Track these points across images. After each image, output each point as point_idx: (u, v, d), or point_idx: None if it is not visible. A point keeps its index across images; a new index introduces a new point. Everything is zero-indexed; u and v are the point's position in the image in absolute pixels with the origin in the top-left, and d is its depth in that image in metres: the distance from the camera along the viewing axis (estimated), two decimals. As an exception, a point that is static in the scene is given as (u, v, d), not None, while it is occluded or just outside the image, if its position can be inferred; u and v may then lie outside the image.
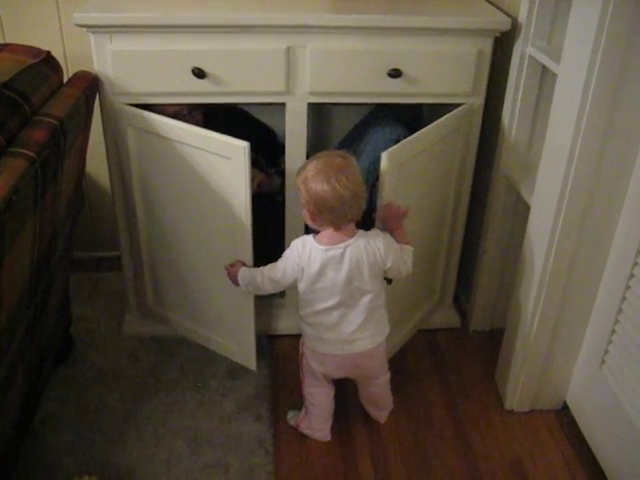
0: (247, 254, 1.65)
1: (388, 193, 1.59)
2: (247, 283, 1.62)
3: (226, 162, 1.56)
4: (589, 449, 1.69)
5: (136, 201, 1.79)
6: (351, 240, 1.49)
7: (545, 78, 1.70)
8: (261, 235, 1.73)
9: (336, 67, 1.65)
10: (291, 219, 1.83)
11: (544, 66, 1.64)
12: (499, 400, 1.85)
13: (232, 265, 1.66)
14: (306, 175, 1.46)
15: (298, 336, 1.65)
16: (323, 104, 2.01)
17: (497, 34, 1.68)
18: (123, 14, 1.58)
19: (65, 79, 1.54)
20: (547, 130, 1.54)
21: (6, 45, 1.48)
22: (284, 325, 2.02)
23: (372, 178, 1.80)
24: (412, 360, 2.00)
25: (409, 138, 1.62)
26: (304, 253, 1.51)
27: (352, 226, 1.50)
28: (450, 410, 1.83)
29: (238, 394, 1.83)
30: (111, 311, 2.13)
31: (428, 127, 1.65)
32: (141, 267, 1.92)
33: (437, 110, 1.77)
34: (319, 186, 1.43)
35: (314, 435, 1.71)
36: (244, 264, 1.65)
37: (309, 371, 1.65)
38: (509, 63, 1.75)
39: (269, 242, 1.80)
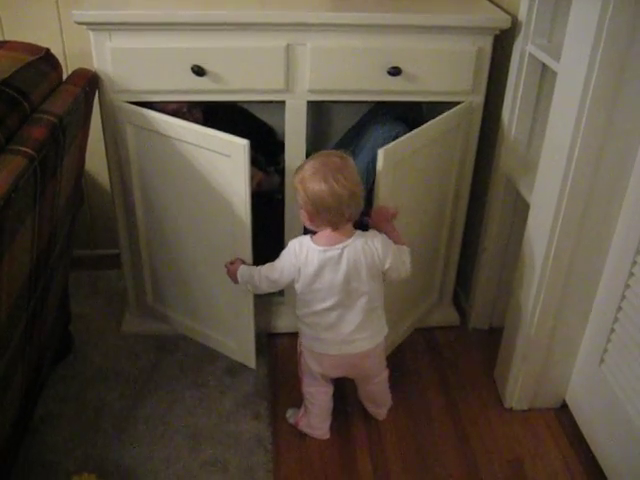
0: (247, 252, 1.65)
1: (384, 190, 1.59)
2: (246, 281, 1.62)
3: (226, 160, 1.56)
4: (588, 447, 1.69)
5: (135, 199, 1.79)
6: (349, 241, 1.48)
7: (545, 76, 1.70)
8: (261, 233, 1.73)
9: (336, 65, 1.65)
10: (290, 217, 1.83)
11: (544, 64, 1.64)
12: (498, 398, 1.85)
13: (232, 263, 1.67)
14: (303, 175, 1.46)
15: (297, 334, 1.65)
16: (323, 102, 2.01)
17: (497, 32, 1.68)
18: (122, 11, 1.57)
19: (64, 77, 1.53)
20: (547, 128, 1.54)
21: (5, 42, 1.48)
22: (283, 323, 2.02)
23: (371, 176, 1.79)
24: (411, 358, 2.00)
25: (406, 135, 1.62)
26: (301, 254, 1.50)
27: (350, 226, 1.50)
28: (449, 408, 1.83)
29: (237, 392, 1.83)
30: (110, 309, 2.13)
31: (426, 125, 1.65)
32: (140, 265, 1.92)
33: (437, 108, 1.77)
34: (317, 186, 1.42)
35: (313, 433, 1.71)
36: (244, 262, 1.66)
37: (307, 370, 1.65)
38: (509, 61, 1.75)
39: (269, 240, 1.80)
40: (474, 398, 1.86)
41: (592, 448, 1.68)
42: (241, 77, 1.65)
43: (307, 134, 1.74)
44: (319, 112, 2.25)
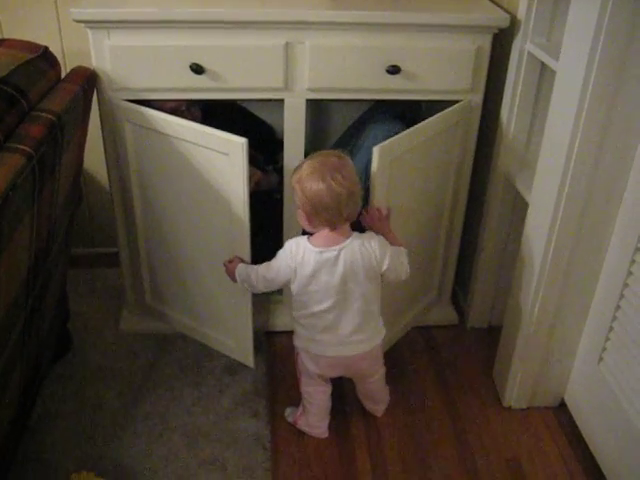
0: (245, 250, 1.65)
1: (380, 188, 1.58)
2: (243, 280, 1.62)
3: (224, 158, 1.56)
4: (586, 446, 1.69)
5: (134, 197, 1.79)
6: (346, 242, 1.48)
7: (544, 75, 1.70)
8: (259, 232, 1.73)
9: (335, 63, 1.64)
10: (289, 216, 1.83)
11: (543, 63, 1.64)
12: (497, 397, 1.85)
13: (230, 261, 1.67)
14: (301, 175, 1.45)
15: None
16: (322, 100, 2.01)
17: (496, 31, 1.68)
18: (121, 9, 1.57)
19: (63, 75, 1.53)
20: (546, 127, 1.53)
21: (3, 40, 1.48)
22: (282, 322, 2.02)
23: (370, 175, 1.79)
24: (410, 357, 2.00)
25: (402, 133, 1.61)
26: (297, 254, 1.50)
27: (347, 227, 1.49)
28: (448, 407, 1.83)
29: (236, 390, 1.83)
30: (109, 307, 2.13)
31: (422, 123, 1.65)
32: (139, 263, 1.92)
33: (436, 107, 1.77)
34: (314, 185, 1.42)
35: (311, 432, 1.71)
36: (242, 260, 1.65)
37: (304, 370, 1.65)
38: (508, 60, 1.74)
39: (267, 239, 1.79)
40: (473, 397, 1.86)
41: (590, 447, 1.68)
42: (240, 75, 1.64)
43: (306, 133, 1.74)
44: (318, 110, 2.25)
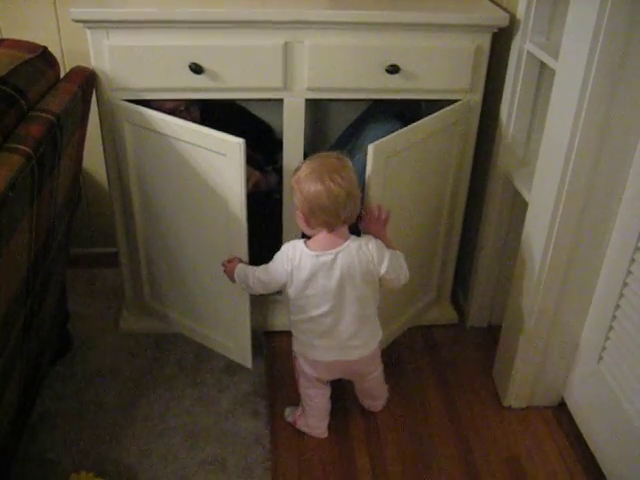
0: (243, 250, 1.65)
1: (375, 187, 1.58)
2: (241, 280, 1.62)
3: (222, 159, 1.55)
4: (586, 445, 1.69)
5: (133, 197, 1.79)
6: (343, 245, 1.47)
7: (543, 74, 1.70)
8: (259, 232, 1.73)
9: (334, 63, 1.64)
10: (288, 216, 1.82)
11: (542, 62, 1.64)
12: (496, 396, 1.85)
13: (229, 261, 1.66)
14: (300, 175, 1.45)
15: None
16: (321, 100, 2.01)
17: (495, 30, 1.68)
18: (120, 9, 1.57)
19: (62, 75, 1.53)
20: (545, 126, 1.53)
21: (2, 40, 1.47)
22: (281, 321, 2.02)
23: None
24: (409, 356, 2.00)
25: (398, 131, 1.61)
26: (294, 258, 1.49)
27: (345, 230, 1.49)
28: (447, 406, 1.83)
29: (235, 390, 1.83)
30: (108, 307, 2.13)
31: (419, 122, 1.65)
32: (138, 263, 1.92)
33: (436, 106, 1.76)
34: (312, 186, 1.41)
35: (311, 432, 1.71)
36: (241, 261, 1.65)
37: (302, 373, 1.65)
38: (507, 59, 1.74)
39: (267, 239, 1.79)
40: (472, 396, 1.86)
41: (590, 446, 1.68)
42: (239, 75, 1.64)
43: (305, 132, 1.74)
44: (317, 110, 2.25)
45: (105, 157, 1.77)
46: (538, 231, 1.59)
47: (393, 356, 1.96)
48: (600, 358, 1.61)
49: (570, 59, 1.40)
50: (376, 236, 1.53)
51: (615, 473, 1.56)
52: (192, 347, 1.96)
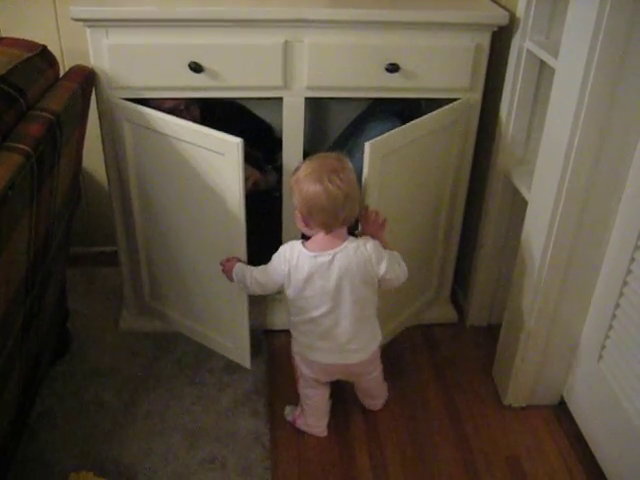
0: (241, 250, 1.65)
1: (371, 185, 1.58)
2: (239, 280, 1.61)
3: (220, 158, 1.55)
4: (586, 444, 1.69)
5: (133, 196, 1.79)
6: (341, 246, 1.46)
7: (543, 73, 1.69)
8: (259, 231, 1.73)
9: (334, 62, 1.64)
10: (288, 215, 1.82)
11: (542, 61, 1.63)
12: (496, 395, 1.85)
13: (228, 260, 1.66)
14: (299, 175, 1.45)
15: (295, 332, 1.65)
16: (321, 99, 2.00)
17: (495, 29, 1.68)
18: (119, 8, 1.57)
19: (61, 73, 1.53)
20: (545, 125, 1.53)
21: (2, 39, 1.47)
22: (281, 320, 2.01)
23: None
24: (409, 355, 2.00)
25: (395, 129, 1.61)
26: (292, 259, 1.49)
27: (344, 231, 1.48)
28: (447, 405, 1.83)
29: (235, 389, 1.83)
30: (108, 306, 2.13)
31: (417, 120, 1.65)
32: (138, 263, 1.92)
33: (436, 105, 1.76)
34: (311, 187, 1.41)
35: (311, 431, 1.71)
36: (240, 260, 1.65)
37: (301, 374, 1.65)
38: (507, 58, 1.74)
39: (267, 238, 1.79)
40: (472, 395, 1.86)
41: (590, 445, 1.68)
42: (239, 74, 1.64)
43: (305, 131, 1.74)
44: (317, 109, 2.25)
45: (105, 156, 1.77)
46: (538, 230, 1.59)
47: (393, 355, 1.96)
48: (600, 357, 1.61)
49: (570, 58, 1.39)
50: (374, 237, 1.53)
51: (615, 472, 1.56)
52: (192, 346, 1.96)
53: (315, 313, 1.51)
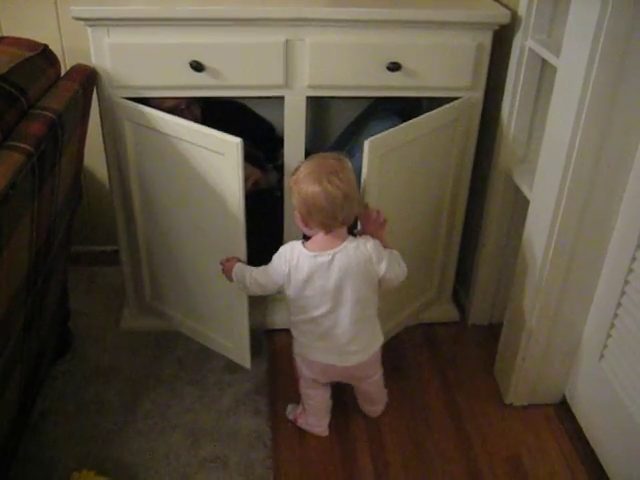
0: (241, 249, 1.64)
1: (370, 183, 1.57)
2: (238, 280, 1.60)
3: (220, 158, 1.55)
4: (587, 443, 1.69)
5: (134, 195, 1.79)
6: (341, 246, 1.46)
7: (545, 71, 1.69)
8: (260, 230, 1.73)
9: (335, 60, 1.64)
10: (289, 214, 1.82)
11: (544, 59, 1.63)
12: (498, 394, 1.85)
13: (228, 260, 1.65)
14: (298, 176, 1.44)
15: (296, 331, 1.65)
16: (322, 98, 2.00)
17: (496, 27, 1.67)
18: (121, 7, 1.57)
19: (62, 73, 1.53)
20: (546, 124, 1.53)
21: (3, 38, 1.47)
22: (282, 319, 2.01)
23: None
24: (411, 354, 1.99)
25: (395, 128, 1.61)
26: (292, 259, 1.48)
27: (344, 231, 1.48)
28: (449, 404, 1.83)
29: (237, 388, 1.83)
30: (109, 305, 2.13)
31: (417, 118, 1.65)
32: (139, 262, 1.91)
33: (437, 104, 1.76)
34: (310, 187, 1.41)
35: (312, 430, 1.71)
36: (239, 260, 1.64)
37: (302, 374, 1.65)
38: (508, 56, 1.74)
39: (268, 237, 1.79)
40: (474, 394, 1.86)
41: (592, 444, 1.68)
42: (240, 73, 1.64)
43: (306, 130, 1.74)
44: (318, 108, 2.25)
45: (106, 155, 1.76)
46: (539, 229, 1.59)
47: (394, 354, 1.96)
48: (602, 356, 1.61)
49: (571, 56, 1.39)
50: (373, 236, 1.53)
51: (616, 470, 1.56)
52: (193, 345, 1.96)
53: (316, 313, 1.50)
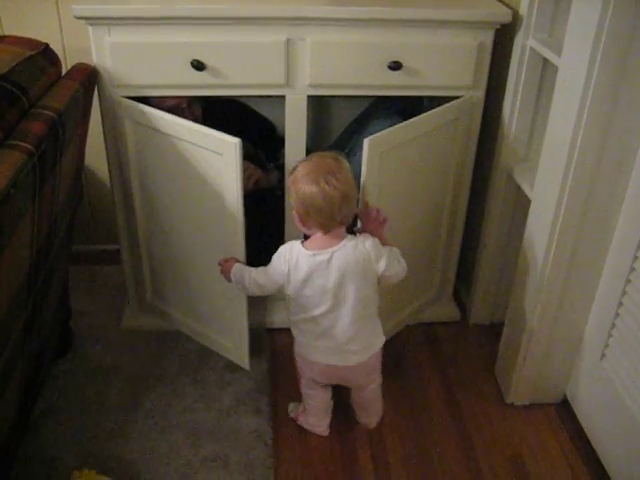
0: (239, 250, 1.64)
1: (369, 182, 1.57)
2: (237, 281, 1.60)
3: (219, 158, 1.54)
4: (589, 443, 1.69)
5: (135, 194, 1.79)
6: (340, 244, 1.45)
7: (546, 71, 1.69)
8: (260, 229, 1.73)
9: (336, 59, 1.64)
10: (290, 213, 1.82)
11: (545, 59, 1.63)
12: (499, 394, 1.85)
13: (226, 261, 1.64)
14: (296, 176, 1.44)
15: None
16: (323, 97, 2.00)
17: (498, 26, 1.67)
18: (122, 6, 1.57)
19: (63, 72, 1.53)
20: (548, 123, 1.53)
21: (4, 37, 1.47)
22: (283, 318, 2.01)
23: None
24: (412, 353, 1.99)
25: (395, 126, 1.60)
26: (291, 259, 1.48)
27: (342, 230, 1.47)
28: (450, 404, 1.82)
29: (237, 387, 1.83)
30: (110, 305, 2.13)
31: (417, 117, 1.65)
32: (140, 261, 1.92)
33: (438, 103, 1.76)
34: (307, 188, 1.40)
35: (313, 430, 1.71)
36: (238, 261, 1.64)
37: (303, 375, 1.64)
38: (510, 56, 1.74)
39: (269, 236, 1.79)
40: (475, 394, 1.86)
41: (593, 443, 1.68)
42: (241, 72, 1.64)
43: (307, 129, 1.74)
44: (319, 107, 2.25)
45: (107, 154, 1.76)
46: (541, 228, 1.59)
47: (395, 353, 1.96)
48: (603, 355, 1.61)
49: (573, 55, 1.39)
50: (373, 235, 1.53)
51: (618, 470, 1.56)
52: (194, 344, 1.96)
53: (316, 312, 1.50)
